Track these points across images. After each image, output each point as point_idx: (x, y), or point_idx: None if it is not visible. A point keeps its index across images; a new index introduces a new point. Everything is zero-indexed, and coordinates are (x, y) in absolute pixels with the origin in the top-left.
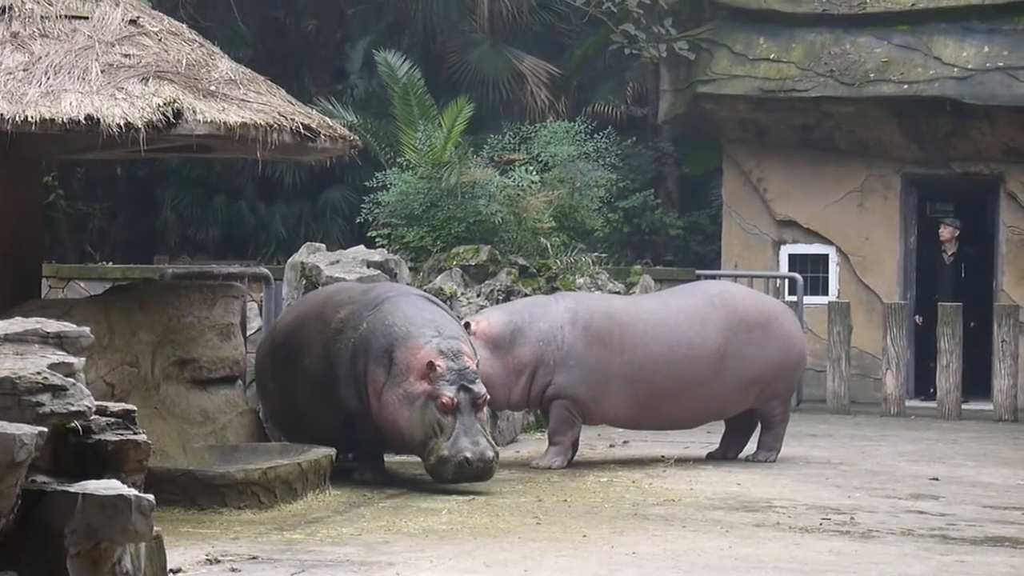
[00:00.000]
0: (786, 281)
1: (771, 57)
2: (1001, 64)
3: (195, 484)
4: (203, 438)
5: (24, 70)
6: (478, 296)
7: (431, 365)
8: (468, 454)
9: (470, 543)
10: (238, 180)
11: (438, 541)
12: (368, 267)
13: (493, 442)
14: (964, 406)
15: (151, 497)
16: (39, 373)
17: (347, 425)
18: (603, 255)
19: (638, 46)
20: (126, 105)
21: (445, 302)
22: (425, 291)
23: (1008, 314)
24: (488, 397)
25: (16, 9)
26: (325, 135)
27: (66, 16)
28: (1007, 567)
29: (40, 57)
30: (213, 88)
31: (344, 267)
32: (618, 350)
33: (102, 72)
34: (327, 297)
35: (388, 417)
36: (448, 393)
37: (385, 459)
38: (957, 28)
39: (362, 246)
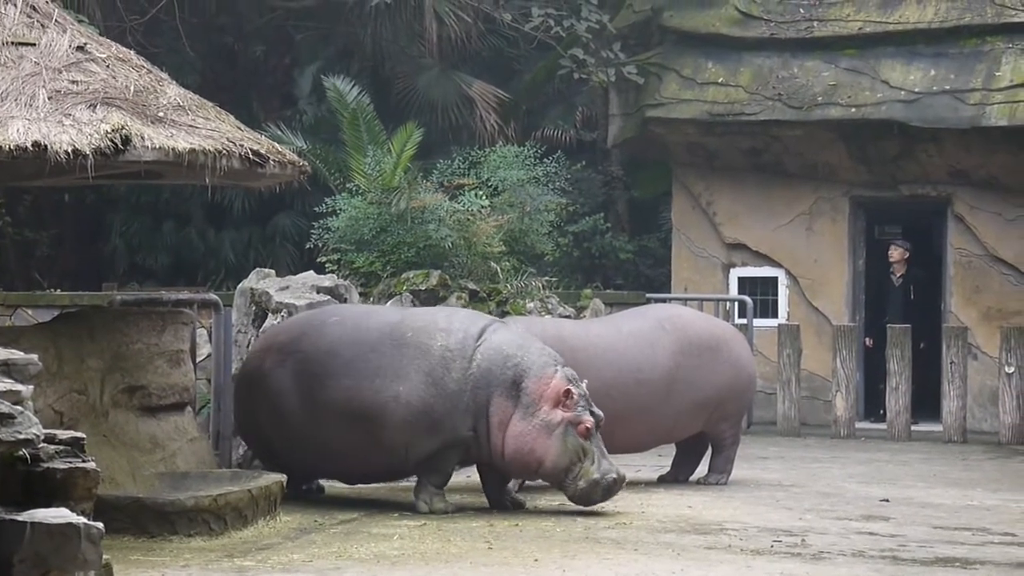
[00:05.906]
0: (736, 304)
1: (719, 81)
2: (948, 87)
3: (145, 511)
4: (152, 465)
5: None
6: None
7: (567, 393)
8: (615, 474)
9: (421, 569)
10: (187, 206)
11: (389, 567)
12: (318, 292)
13: None
14: (914, 427)
15: (100, 525)
16: None
17: (447, 450)
18: (553, 279)
19: (587, 71)
20: (74, 132)
21: None
22: None
23: (957, 335)
24: (603, 417)
25: None
26: (274, 161)
27: (13, 43)
28: None
29: None
30: (161, 114)
31: (294, 293)
32: None
33: (49, 99)
34: (399, 320)
35: (524, 447)
36: (589, 418)
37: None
38: (904, 52)
39: (312, 272)
